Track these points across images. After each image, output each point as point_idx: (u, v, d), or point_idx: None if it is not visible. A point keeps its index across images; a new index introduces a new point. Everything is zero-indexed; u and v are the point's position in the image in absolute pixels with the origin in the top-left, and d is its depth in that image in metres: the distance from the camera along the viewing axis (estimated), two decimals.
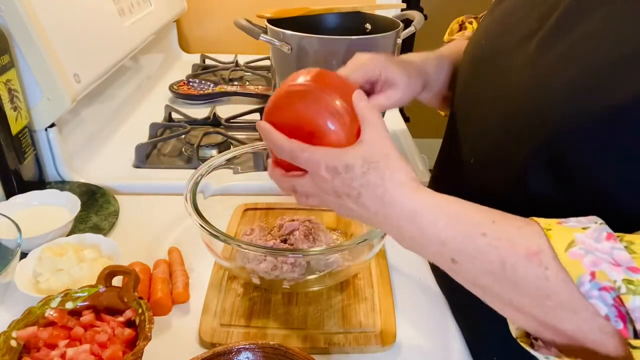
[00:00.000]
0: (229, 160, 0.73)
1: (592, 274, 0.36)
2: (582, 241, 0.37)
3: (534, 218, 0.41)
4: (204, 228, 0.58)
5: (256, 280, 0.61)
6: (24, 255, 0.64)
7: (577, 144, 0.43)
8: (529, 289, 0.39)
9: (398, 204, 0.44)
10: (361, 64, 0.58)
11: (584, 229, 0.38)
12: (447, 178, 0.65)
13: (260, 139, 1.01)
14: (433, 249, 0.43)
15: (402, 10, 1.07)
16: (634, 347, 0.34)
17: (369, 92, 0.59)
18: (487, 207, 0.43)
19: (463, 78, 0.62)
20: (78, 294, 0.55)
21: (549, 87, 0.45)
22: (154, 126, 1.02)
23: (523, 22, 0.52)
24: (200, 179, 0.66)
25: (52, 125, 0.82)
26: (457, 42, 0.76)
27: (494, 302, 0.42)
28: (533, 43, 0.49)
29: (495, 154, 0.53)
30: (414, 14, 0.98)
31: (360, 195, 0.45)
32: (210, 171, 0.69)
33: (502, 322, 0.46)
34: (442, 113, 0.78)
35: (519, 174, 0.48)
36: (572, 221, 0.40)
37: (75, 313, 0.54)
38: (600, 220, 0.39)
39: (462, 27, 0.78)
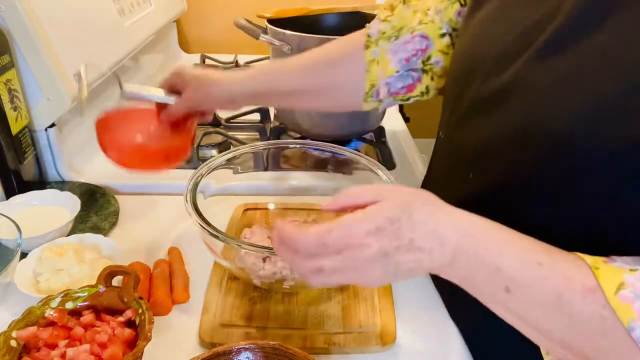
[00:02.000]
0: (228, 160, 0.73)
1: None
2: (632, 284, 0.36)
3: (579, 254, 0.40)
4: (204, 228, 0.58)
5: (257, 282, 0.61)
6: (24, 255, 0.64)
7: (582, 177, 0.41)
8: (584, 326, 0.38)
9: (452, 229, 0.42)
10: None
11: (632, 270, 0.37)
12: (443, 189, 0.63)
13: (259, 139, 1.02)
14: (485, 275, 0.41)
15: None
16: None
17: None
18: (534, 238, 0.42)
19: (454, 87, 0.60)
20: (78, 294, 0.55)
21: (547, 112, 0.43)
22: None
23: (515, 31, 0.49)
24: (200, 178, 0.66)
25: (52, 125, 0.82)
26: (337, 41, 0.75)
27: (540, 339, 0.41)
28: (526, 57, 0.47)
29: (494, 171, 0.51)
30: None
31: (413, 240, 0.41)
32: (210, 171, 0.69)
33: (499, 321, 0.45)
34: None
35: (518, 195, 0.47)
36: (619, 261, 0.39)
37: (75, 313, 0.54)
38: None
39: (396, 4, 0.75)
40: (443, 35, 0.68)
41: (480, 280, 0.42)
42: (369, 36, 0.71)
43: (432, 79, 0.69)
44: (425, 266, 0.43)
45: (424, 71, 0.69)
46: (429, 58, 0.69)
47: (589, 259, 0.39)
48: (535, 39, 0.46)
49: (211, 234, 0.57)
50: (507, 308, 0.42)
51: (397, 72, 0.70)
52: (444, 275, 0.44)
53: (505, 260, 0.40)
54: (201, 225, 0.58)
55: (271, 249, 0.60)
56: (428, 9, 0.69)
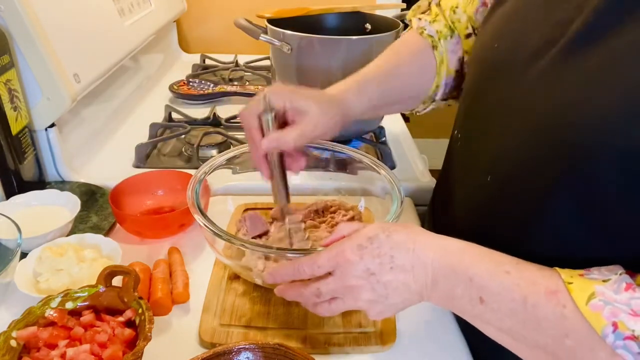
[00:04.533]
0: (229, 159, 0.73)
1: (614, 325, 0.36)
2: (602, 292, 0.38)
3: (557, 269, 0.42)
4: (208, 227, 0.57)
5: (258, 281, 0.61)
6: (24, 255, 0.64)
7: (611, 179, 0.40)
8: (549, 328, 0.40)
9: (429, 248, 0.46)
10: (263, 95, 0.57)
11: (604, 281, 0.39)
12: (461, 193, 0.62)
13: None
14: (462, 289, 0.44)
15: (402, 10, 1.07)
16: None
17: (282, 126, 0.58)
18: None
19: (474, 83, 0.58)
20: (78, 294, 0.55)
21: (579, 110, 0.41)
22: (154, 126, 1.02)
23: (541, 26, 0.48)
24: (204, 177, 0.66)
25: (52, 125, 0.82)
26: (400, 43, 0.73)
27: (521, 349, 0.43)
28: (554, 52, 0.45)
29: (514, 173, 0.49)
30: None
31: (394, 258, 0.46)
32: (212, 171, 0.68)
33: None
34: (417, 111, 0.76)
35: (540, 198, 0.46)
36: (594, 273, 0.40)
37: (75, 313, 0.54)
38: (621, 270, 0.39)
39: (430, 5, 0.75)
40: (469, 35, 0.68)
41: (458, 295, 0.45)
42: (431, 36, 0.69)
43: None
44: (412, 288, 0.46)
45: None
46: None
47: (565, 273, 0.41)
48: (561, 35, 0.45)
49: (215, 234, 0.57)
50: (485, 321, 0.44)
51: (457, 71, 0.69)
52: (427, 299, 0.47)
53: (477, 270, 0.43)
54: (205, 225, 0.58)
55: (271, 248, 0.59)
56: (456, 7, 0.69)
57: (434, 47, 0.70)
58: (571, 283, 0.39)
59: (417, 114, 0.77)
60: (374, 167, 0.69)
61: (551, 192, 0.45)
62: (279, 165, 0.59)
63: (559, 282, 0.40)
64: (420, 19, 0.73)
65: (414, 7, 0.77)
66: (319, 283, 0.49)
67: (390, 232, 0.47)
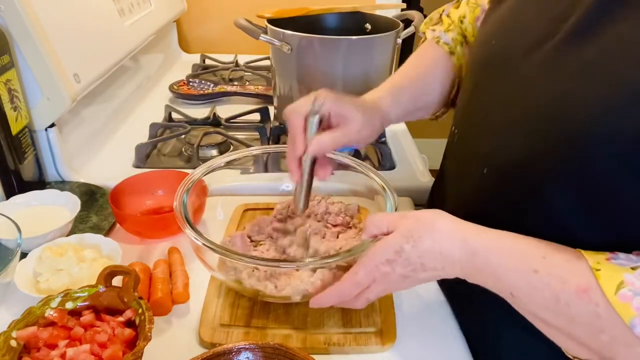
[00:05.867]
0: (227, 163, 0.72)
1: None
2: (631, 282, 0.38)
3: (582, 252, 0.41)
4: (197, 240, 0.55)
5: (297, 298, 0.58)
6: (24, 255, 0.64)
7: (607, 165, 0.41)
8: (583, 324, 0.40)
9: (455, 253, 0.47)
10: (309, 99, 0.58)
11: (633, 268, 0.39)
12: (457, 186, 0.63)
13: (259, 139, 1.01)
14: (492, 284, 0.46)
15: (402, 10, 1.07)
16: None
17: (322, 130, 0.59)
18: (535, 239, 0.45)
19: (472, 80, 0.60)
20: (78, 294, 0.55)
21: (575, 101, 0.42)
22: (154, 126, 1.02)
23: (536, 22, 0.49)
24: (192, 185, 0.64)
25: (52, 125, 0.82)
26: (420, 53, 0.76)
27: (556, 336, 0.44)
28: (549, 47, 0.46)
29: (512, 165, 0.50)
30: (414, 14, 0.98)
31: (424, 264, 0.48)
32: (204, 173, 0.67)
33: (504, 321, 0.46)
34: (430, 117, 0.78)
35: (538, 188, 0.47)
36: (622, 258, 0.40)
37: (75, 313, 0.54)
38: None
39: (441, 17, 0.77)
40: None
41: (491, 287, 0.46)
42: (447, 44, 0.72)
43: None
44: (445, 276, 0.49)
45: None
46: None
47: (591, 258, 0.40)
48: (556, 31, 0.46)
49: (205, 246, 0.54)
50: (518, 307, 0.45)
51: None
52: (468, 280, 0.49)
53: (504, 271, 0.44)
54: (195, 238, 0.55)
55: (263, 259, 0.58)
56: (463, 17, 0.72)
57: (452, 54, 0.72)
58: (599, 270, 0.39)
59: (438, 119, 0.78)
60: (364, 171, 0.68)
61: (548, 181, 0.46)
62: (309, 171, 0.60)
63: (590, 277, 0.39)
64: (434, 30, 0.76)
65: (425, 20, 0.80)
66: (366, 293, 0.52)
67: (415, 240, 0.48)
